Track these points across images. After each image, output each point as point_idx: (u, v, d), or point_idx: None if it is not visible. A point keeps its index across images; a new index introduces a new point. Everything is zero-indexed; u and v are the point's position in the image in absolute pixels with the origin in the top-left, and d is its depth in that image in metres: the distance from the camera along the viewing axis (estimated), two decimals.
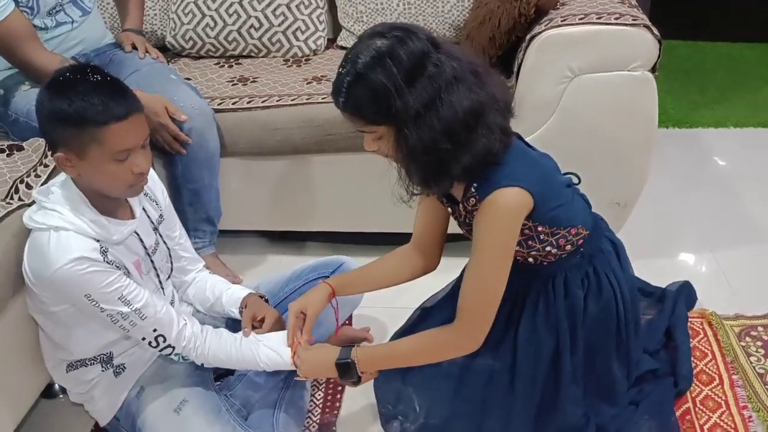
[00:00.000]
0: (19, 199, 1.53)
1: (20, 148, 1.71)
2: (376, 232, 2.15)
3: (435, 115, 1.14)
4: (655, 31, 1.72)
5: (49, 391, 1.71)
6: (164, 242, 1.48)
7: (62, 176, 1.33)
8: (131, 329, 1.33)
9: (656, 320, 1.71)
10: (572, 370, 1.38)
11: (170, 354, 1.40)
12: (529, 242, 1.29)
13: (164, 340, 1.37)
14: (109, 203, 1.33)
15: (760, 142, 2.74)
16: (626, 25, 1.71)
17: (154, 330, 1.35)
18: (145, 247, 1.41)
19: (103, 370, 1.44)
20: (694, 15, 3.65)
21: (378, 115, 1.15)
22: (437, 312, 1.54)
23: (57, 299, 1.31)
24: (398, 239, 2.14)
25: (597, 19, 1.74)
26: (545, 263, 1.35)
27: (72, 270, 1.23)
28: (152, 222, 1.46)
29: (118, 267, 1.31)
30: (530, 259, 1.34)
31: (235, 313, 1.55)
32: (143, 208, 1.43)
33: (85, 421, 1.61)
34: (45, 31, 1.82)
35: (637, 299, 1.49)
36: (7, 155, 1.67)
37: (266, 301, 1.57)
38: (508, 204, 1.20)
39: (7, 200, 1.51)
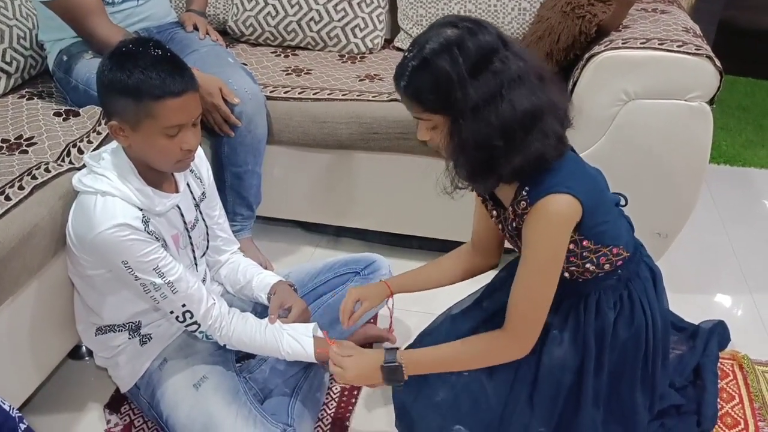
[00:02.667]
0: (70, 162, 1.58)
1: (76, 114, 1.76)
2: (411, 235, 2.16)
3: (493, 111, 1.13)
4: (718, 63, 1.68)
5: (76, 353, 1.75)
6: (203, 220, 1.51)
7: (114, 144, 1.36)
8: (161, 301, 1.35)
9: (686, 356, 1.67)
10: (594, 393, 1.36)
11: (195, 331, 1.42)
12: (571, 258, 1.28)
13: (191, 317, 1.39)
14: (156, 175, 1.36)
15: None
16: (688, 54, 1.68)
17: (183, 305, 1.37)
18: (185, 222, 1.44)
19: (129, 338, 1.47)
20: (757, 52, 3.57)
21: (437, 103, 1.15)
22: (464, 320, 1.53)
23: (95, 263, 1.34)
24: (431, 244, 2.16)
25: (659, 44, 1.71)
26: (581, 280, 1.33)
27: (114, 235, 1.26)
28: (194, 198, 1.48)
29: (157, 238, 1.33)
30: (566, 274, 1.32)
31: (263, 298, 1.57)
32: (187, 184, 1.46)
33: (107, 385, 1.64)
34: (111, 5, 1.86)
35: (669, 331, 1.46)
36: (63, 119, 1.73)
37: (295, 290, 1.58)
38: (560, 210, 1.18)
39: (59, 162, 1.56)
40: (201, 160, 1.53)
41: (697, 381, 1.63)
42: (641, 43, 1.72)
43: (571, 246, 1.25)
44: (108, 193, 1.29)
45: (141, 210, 1.31)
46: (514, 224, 1.29)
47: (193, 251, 1.48)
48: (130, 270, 1.30)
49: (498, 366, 1.35)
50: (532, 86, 1.15)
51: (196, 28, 2.03)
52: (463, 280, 1.52)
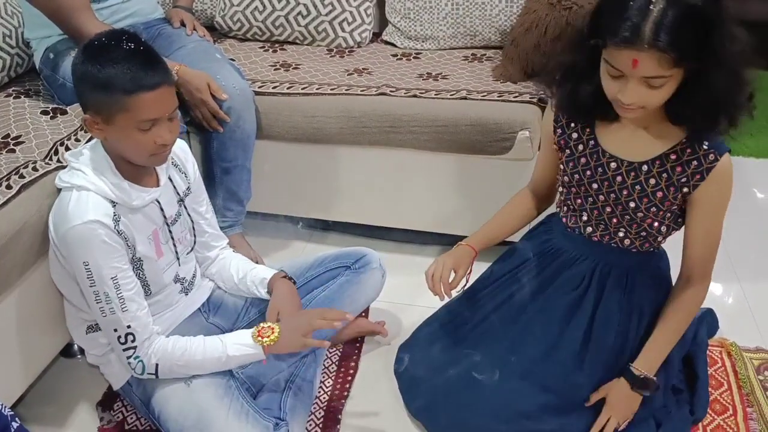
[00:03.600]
0: (58, 161, 1.57)
1: (64, 112, 1.75)
2: (401, 228, 2.16)
3: (738, 60, 1.16)
4: None
5: (68, 351, 1.75)
6: (188, 215, 1.50)
7: (96, 139, 1.35)
8: (108, 316, 1.32)
9: (677, 344, 1.69)
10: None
11: (129, 357, 1.36)
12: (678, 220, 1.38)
13: (133, 340, 1.35)
14: (134, 169, 1.35)
15: None
16: None
17: (128, 326, 1.34)
18: (165, 217, 1.43)
19: None
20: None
21: (695, 51, 1.11)
22: (488, 298, 1.60)
23: (68, 259, 1.33)
24: (421, 238, 2.17)
25: None
26: (634, 250, 1.43)
27: (84, 231, 1.26)
28: (178, 193, 1.47)
29: (126, 239, 1.33)
30: (634, 242, 1.42)
31: (262, 293, 1.57)
32: (170, 178, 1.45)
33: (99, 382, 1.65)
34: (97, 2, 1.85)
35: None
36: (51, 117, 1.72)
37: (293, 282, 1.58)
38: (731, 166, 1.29)
39: (46, 161, 1.56)
40: (186, 155, 1.52)
41: (687, 370, 1.65)
42: None
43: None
44: (83, 187, 1.29)
45: (114, 205, 1.31)
46: (671, 173, 1.31)
47: (175, 246, 1.47)
48: (89, 273, 1.29)
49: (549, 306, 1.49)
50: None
51: (183, 24, 2.03)
52: (530, 222, 1.61)
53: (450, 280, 1.46)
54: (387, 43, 2.36)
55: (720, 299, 2.03)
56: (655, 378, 1.41)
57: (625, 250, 1.44)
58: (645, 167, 1.33)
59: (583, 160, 1.40)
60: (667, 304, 1.43)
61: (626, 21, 1.10)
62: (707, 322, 1.79)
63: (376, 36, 2.41)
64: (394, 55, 2.25)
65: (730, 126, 1.22)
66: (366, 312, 1.88)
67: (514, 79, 2.00)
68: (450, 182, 1.99)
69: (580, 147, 1.40)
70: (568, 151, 1.42)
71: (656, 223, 1.38)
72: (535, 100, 1.89)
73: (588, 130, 1.39)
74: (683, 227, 1.40)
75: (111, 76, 1.21)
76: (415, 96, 1.93)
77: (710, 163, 1.27)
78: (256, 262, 2.02)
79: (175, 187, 1.46)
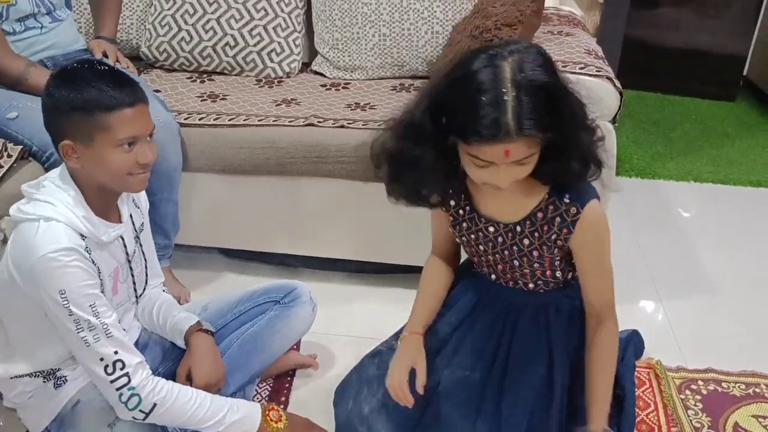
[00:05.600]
0: None
1: None
2: (333, 257, 2.16)
3: (583, 116, 1.19)
4: (617, 84, 1.76)
5: None
6: (143, 252, 1.47)
7: (57, 171, 1.32)
8: (93, 344, 1.26)
9: None
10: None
11: (122, 387, 1.30)
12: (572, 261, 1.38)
13: (122, 367, 1.29)
14: (102, 203, 1.32)
15: (718, 197, 2.81)
16: (590, 75, 1.75)
17: (116, 351, 1.28)
18: (127, 253, 1.40)
19: (44, 382, 1.40)
20: (664, 68, 3.76)
21: (549, 123, 1.12)
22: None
23: (30, 295, 1.26)
24: (353, 266, 2.17)
25: (562, 67, 1.78)
26: (543, 291, 1.43)
27: (57, 259, 1.21)
28: (135, 230, 1.44)
29: (99, 271, 1.29)
30: (531, 285, 1.41)
31: (181, 344, 1.53)
32: (130, 215, 1.42)
33: (17, 426, 1.57)
34: (12, 34, 1.80)
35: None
36: None
37: (212, 334, 1.54)
38: (603, 211, 1.31)
39: None
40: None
41: (616, 391, 1.69)
42: None
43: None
44: (52, 218, 1.24)
45: (83, 239, 1.27)
46: (541, 231, 1.32)
47: (134, 284, 1.44)
48: (66, 303, 1.22)
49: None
50: None
51: (105, 56, 1.99)
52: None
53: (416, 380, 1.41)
54: (316, 73, 2.37)
55: (643, 318, 2.10)
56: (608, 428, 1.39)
57: (533, 292, 1.45)
58: (518, 228, 1.34)
59: (465, 224, 1.40)
60: (590, 350, 1.41)
61: (485, 118, 1.10)
62: (634, 343, 1.83)
63: (306, 66, 2.42)
64: (323, 85, 2.26)
65: (595, 172, 1.25)
66: (297, 344, 1.86)
67: None
68: (379, 211, 1.99)
69: (460, 212, 1.40)
70: (451, 217, 1.42)
71: (548, 272, 1.40)
72: None
73: (463, 195, 1.38)
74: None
75: (90, 96, 1.21)
76: (342, 126, 1.94)
77: (573, 216, 1.29)
78: (184, 298, 2.01)
79: (133, 222, 1.43)
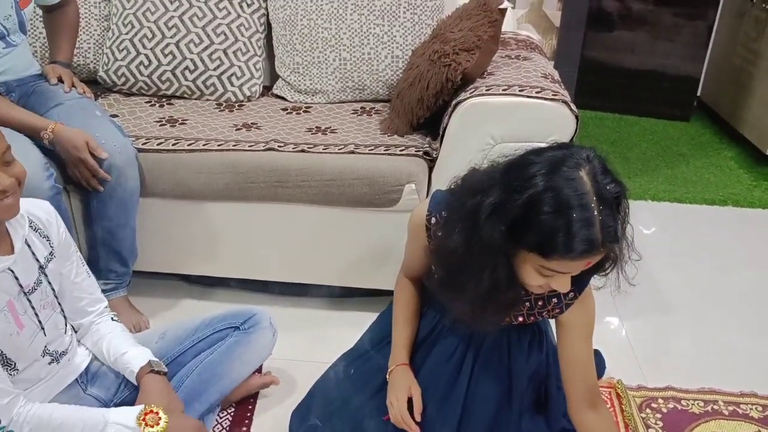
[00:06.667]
0: None
1: None
2: (294, 282, 2.14)
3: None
4: (573, 107, 1.79)
5: None
6: (49, 283, 1.41)
7: None
8: None
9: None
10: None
11: None
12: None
13: None
14: None
15: (675, 215, 2.87)
16: (546, 99, 1.78)
17: None
18: (20, 285, 1.33)
19: None
20: (621, 89, 3.85)
21: (618, 235, 1.12)
22: (379, 355, 1.56)
23: None
24: (315, 291, 2.15)
25: (519, 91, 1.81)
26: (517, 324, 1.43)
27: None
28: (37, 260, 1.37)
29: None
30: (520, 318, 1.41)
31: (134, 382, 1.49)
32: (28, 244, 1.35)
33: None
34: None
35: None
36: None
37: (165, 374, 1.50)
38: (592, 294, 1.36)
39: None
40: (50, 218, 1.42)
41: None
42: (503, 90, 1.81)
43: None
44: None
45: None
46: (533, 304, 1.34)
47: (36, 315, 1.37)
48: None
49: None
50: None
51: (60, 80, 1.96)
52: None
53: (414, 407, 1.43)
54: (278, 96, 2.36)
55: (603, 337, 2.11)
56: None
57: None
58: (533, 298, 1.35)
59: None
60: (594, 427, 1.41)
61: (577, 235, 1.07)
62: (595, 363, 1.85)
63: (267, 89, 2.41)
64: (284, 109, 2.26)
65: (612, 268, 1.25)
66: (259, 371, 1.84)
67: (400, 132, 2.04)
68: (340, 235, 2.00)
69: None
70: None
71: (515, 323, 1.42)
72: (420, 153, 1.94)
73: None
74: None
75: None
76: (303, 151, 1.94)
77: (570, 299, 1.32)
78: (142, 327, 1.96)
79: (34, 253, 1.36)
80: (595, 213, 1.07)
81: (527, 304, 1.35)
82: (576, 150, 1.14)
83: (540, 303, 1.35)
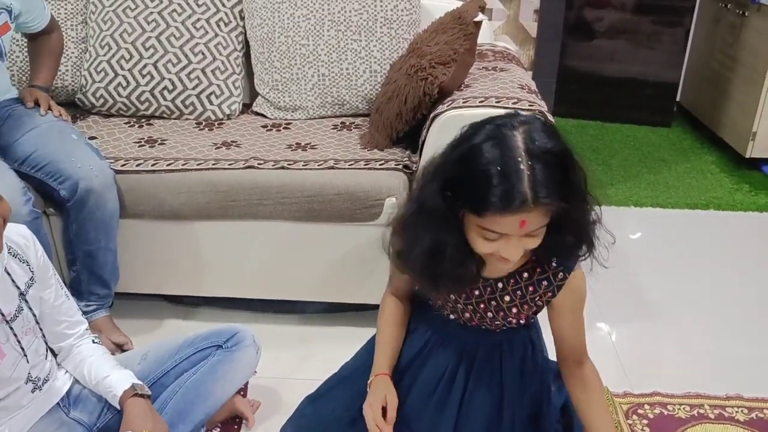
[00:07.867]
0: None
1: None
2: (278, 299, 2.13)
3: (584, 184, 1.17)
4: (550, 118, 1.80)
5: None
6: (30, 309, 1.40)
7: None
8: None
9: (554, 395, 1.74)
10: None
11: None
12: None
13: None
14: None
15: (657, 221, 2.89)
16: (522, 109, 1.79)
17: None
18: (2, 314, 1.32)
19: None
20: (602, 97, 3.89)
21: (565, 192, 1.10)
22: (358, 378, 1.54)
23: None
24: (300, 307, 2.15)
25: (496, 102, 1.82)
26: (498, 331, 1.43)
27: None
28: (17, 287, 1.36)
29: None
30: (492, 327, 1.41)
31: (117, 406, 1.47)
32: (8, 272, 1.34)
33: None
34: None
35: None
36: None
37: (149, 396, 1.49)
38: (583, 275, 1.35)
39: None
40: (28, 242, 1.41)
41: (564, 419, 1.69)
42: (480, 102, 1.82)
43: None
44: None
45: None
46: (525, 291, 1.34)
47: (19, 342, 1.36)
48: None
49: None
50: None
51: (37, 104, 1.95)
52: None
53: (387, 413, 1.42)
54: (257, 114, 2.37)
55: (589, 345, 2.12)
56: None
57: (490, 331, 1.44)
58: (500, 284, 1.34)
59: None
60: (580, 390, 1.44)
61: (501, 187, 1.07)
62: None
63: (247, 107, 2.42)
64: (264, 126, 2.26)
65: (585, 253, 1.26)
66: (245, 389, 1.83)
67: (380, 147, 2.05)
68: (323, 251, 2.00)
69: None
70: None
71: (514, 321, 1.41)
72: (400, 166, 1.95)
73: None
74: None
75: None
76: (283, 167, 1.94)
77: (560, 281, 1.32)
78: (126, 347, 1.94)
79: (14, 280, 1.35)
80: (522, 167, 1.07)
81: (518, 292, 1.35)
82: (520, 114, 1.15)
83: (531, 288, 1.34)
